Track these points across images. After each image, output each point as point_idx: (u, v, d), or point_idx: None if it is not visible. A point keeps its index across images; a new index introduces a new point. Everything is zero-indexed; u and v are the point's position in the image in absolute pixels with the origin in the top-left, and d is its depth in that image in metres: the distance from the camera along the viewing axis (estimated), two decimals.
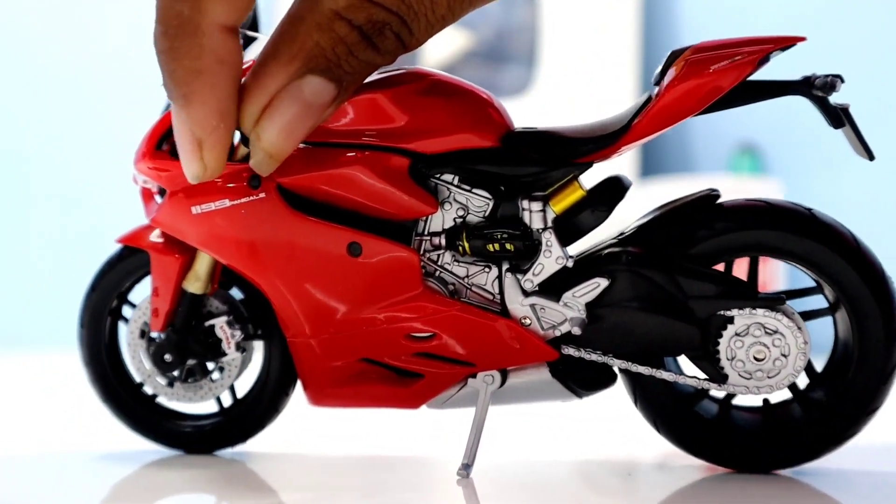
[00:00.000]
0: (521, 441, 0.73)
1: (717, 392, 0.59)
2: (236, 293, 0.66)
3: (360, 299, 0.58)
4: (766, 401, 0.60)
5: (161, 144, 0.61)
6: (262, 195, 0.58)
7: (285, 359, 0.63)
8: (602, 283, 0.56)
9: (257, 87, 0.45)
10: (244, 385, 0.66)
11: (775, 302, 0.56)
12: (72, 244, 2.43)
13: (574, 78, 1.98)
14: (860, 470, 0.60)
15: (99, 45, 2.45)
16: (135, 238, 0.65)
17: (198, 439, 0.65)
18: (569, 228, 0.58)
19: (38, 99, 2.47)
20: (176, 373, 0.64)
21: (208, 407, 0.66)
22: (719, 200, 0.59)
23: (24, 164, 2.45)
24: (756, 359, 0.56)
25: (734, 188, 1.81)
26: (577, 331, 0.57)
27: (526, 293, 0.57)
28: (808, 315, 0.58)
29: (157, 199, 0.63)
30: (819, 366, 0.59)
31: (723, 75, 0.54)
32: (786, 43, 0.55)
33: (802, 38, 0.55)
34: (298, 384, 0.64)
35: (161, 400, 0.67)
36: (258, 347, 0.66)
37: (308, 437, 0.74)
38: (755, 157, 2.06)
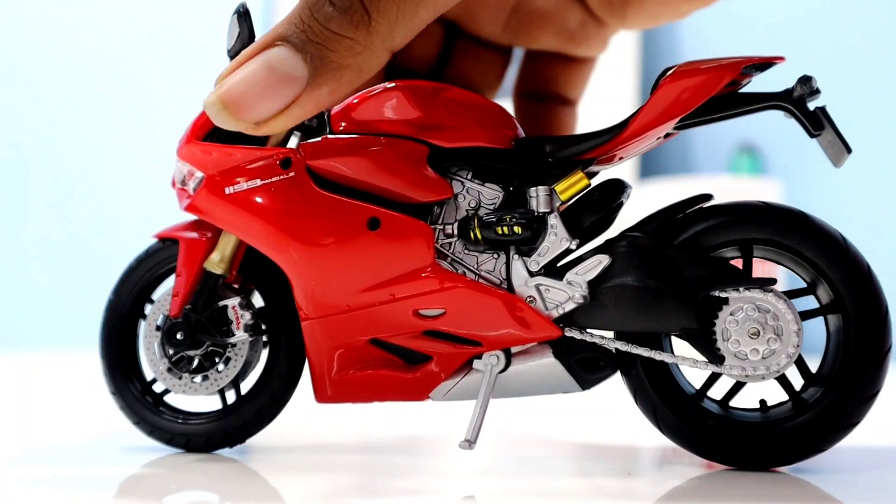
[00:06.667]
0: (521, 441, 0.74)
1: (716, 370, 0.59)
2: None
3: (375, 272, 0.61)
4: (762, 401, 0.61)
5: (211, 139, 0.64)
6: (291, 174, 0.62)
7: (289, 362, 0.65)
8: (604, 260, 0.59)
9: (242, 53, 0.50)
10: (243, 384, 0.67)
11: (766, 283, 0.58)
12: (69, 244, 2.44)
13: None
14: (860, 470, 0.60)
15: (98, 49, 2.45)
16: (169, 232, 0.68)
17: (199, 437, 0.66)
18: (575, 230, 0.61)
19: (36, 100, 2.47)
20: (185, 360, 0.65)
21: (212, 405, 0.67)
22: (712, 202, 0.61)
23: (22, 165, 2.46)
24: (750, 336, 0.58)
25: (734, 188, 1.81)
26: (579, 308, 0.59)
27: (531, 273, 0.60)
28: (800, 316, 0.59)
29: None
30: (813, 367, 0.60)
31: (711, 75, 0.57)
32: (765, 60, 0.58)
33: (782, 59, 0.58)
34: (297, 390, 0.66)
35: (171, 395, 0.68)
36: (263, 353, 0.67)
37: (307, 436, 0.75)
38: (755, 157, 2.06)
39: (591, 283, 0.59)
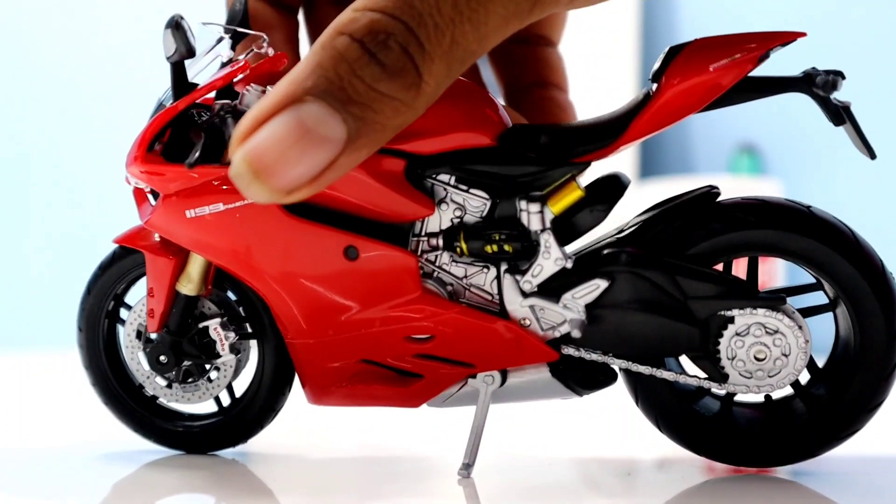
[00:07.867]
0: (521, 441, 0.73)
1: (718, 390, 0.59)
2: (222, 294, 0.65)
3: (358, 302, 0.58)
4: (767, 397, 0.60)
5: (153, 146, 0.59)
6: None
7: (280, 358, 0.63)
8: (602, 284, 0.56)
9: (258, 105, 0.42)
10: (241, 385, 0.66)
11: (776, 302, 0.56)
12: (69, 244, 2.43)
13: (574, 78, 1.98)
14: (860, 470, 0.60)
15: (97, 46, 2.44)
16: (131, 238, 0.64)
17: (199, 439, 0.65)
18: (567, 228, 0.58)
19: (37, 100, 2.47)
20: (173, 373, 0.64)
21: (208, 407, 0.66)
22: (718, 199, 0.58)
23: (21, 165, 2.45)
24: (757, 358, 0.56)
25: (733, 188, 1.81)
26: (576, 333, 0.57)
27: (525, 294, 0.57)
28: (808, 312, 0.58)
29: (151, 199, 0.62)
30: (821, 362, 0.59)
31: (723, 73, 0.53)
32: (786, 39, 0.54)
33: (803, 34, 0.54)
34: (296, 384, 0.64)
35: (161, 401, 0.66)
36: (254, 346, 0.65)
37: (307, 437, 0.74)
38: (754, 157, 2.06)
39: (589, 306, 0.56)
